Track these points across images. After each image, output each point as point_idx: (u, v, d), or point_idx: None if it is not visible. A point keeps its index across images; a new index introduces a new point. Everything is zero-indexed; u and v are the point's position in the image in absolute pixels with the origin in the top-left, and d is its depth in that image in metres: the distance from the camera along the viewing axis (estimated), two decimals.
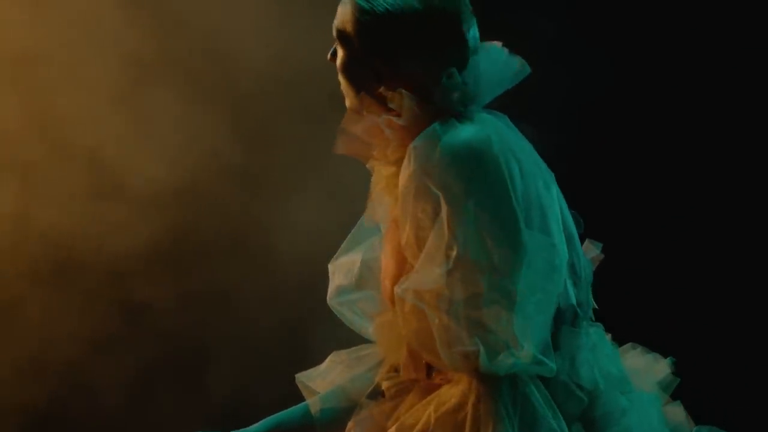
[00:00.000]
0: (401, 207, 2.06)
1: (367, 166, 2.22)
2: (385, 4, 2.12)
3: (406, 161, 2.06)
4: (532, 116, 2.28)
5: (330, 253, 2.39)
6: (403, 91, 2.11)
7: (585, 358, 2.10)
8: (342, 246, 2.39)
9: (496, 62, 2.16)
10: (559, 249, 2.05)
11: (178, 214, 3.78)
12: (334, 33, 2.21)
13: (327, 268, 2.39)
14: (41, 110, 3.72)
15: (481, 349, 1.97)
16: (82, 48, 3.73)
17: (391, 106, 2.12)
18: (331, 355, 2.33)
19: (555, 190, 2.14)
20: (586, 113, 3.69)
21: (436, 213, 2.00)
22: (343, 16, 2.18)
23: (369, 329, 2.31)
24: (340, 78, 2.21)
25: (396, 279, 2.10)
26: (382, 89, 2.13)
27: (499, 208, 2.00)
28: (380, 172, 2.18)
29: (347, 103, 2.22)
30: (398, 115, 2.12)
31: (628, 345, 2.32)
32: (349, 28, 2.16)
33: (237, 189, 3.83)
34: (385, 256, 2.20)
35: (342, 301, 2.34)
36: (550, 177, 2.14)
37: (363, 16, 2.14)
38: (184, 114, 3.77)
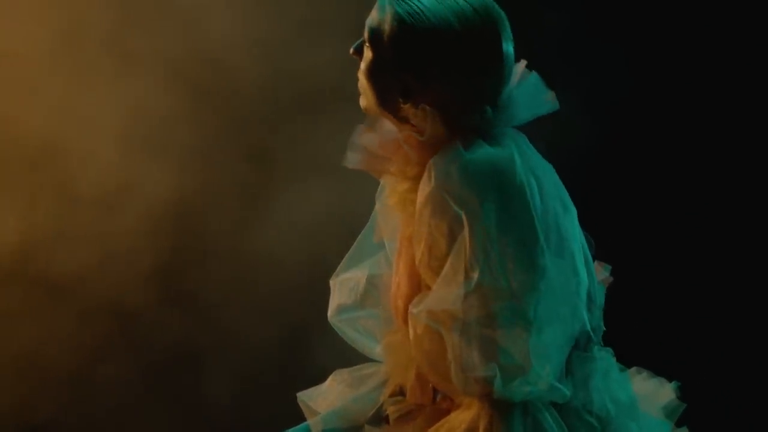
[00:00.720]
0: (417, 224, 2.03)
1: (380, 179, 2.19)
2: (425, 20, 2.06)
3: (425, 178, 2.03)
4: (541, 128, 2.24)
5: (329, 263, 2.36)
6: (428, 108, 2.06)
7: (597, 383, 2.08)
8: (343, 261, 2.35)
9: (526, 91, 2.12)
10: (579, 274, 2.04)
11: (172, 221, 3.73)
12: (366, 33, 2.14)
13: (321, 278, 2.36)
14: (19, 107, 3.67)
15: (498, 374, 1.94)
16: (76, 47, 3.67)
17: (413, 122, 2.08)
18: (333, 373, 2.29)
19: (574, 212, 2.12)
20: (587, 133, 3.66)
21: (454, 232, 1.97)
22: (380, 20, 2.11)
23: (373, 348, 2.28)
24: (362, 78, 2.15)
25: (409, 298, 2.08)
26: (404, 102, 2.08)
27: (521, 230, 1.97)
28: (394, 188, 2.14)
29: (363, 103, 2.17)
30: (419, 131, 2.08)
31: (634, 369, 2.30)
32: (384, 35, 2.10)
33: (234, 196, 3.78)
34: (396, 274, 2.16)
35: (344, 318, 2.30)
36: (568, 199, 2.12)
37: (402, 28, 2.08)
38: (173, 114, 3.72)
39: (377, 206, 2.28)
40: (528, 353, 1.94)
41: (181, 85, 3.68)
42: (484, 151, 2.02)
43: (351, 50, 2.17)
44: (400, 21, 2.07)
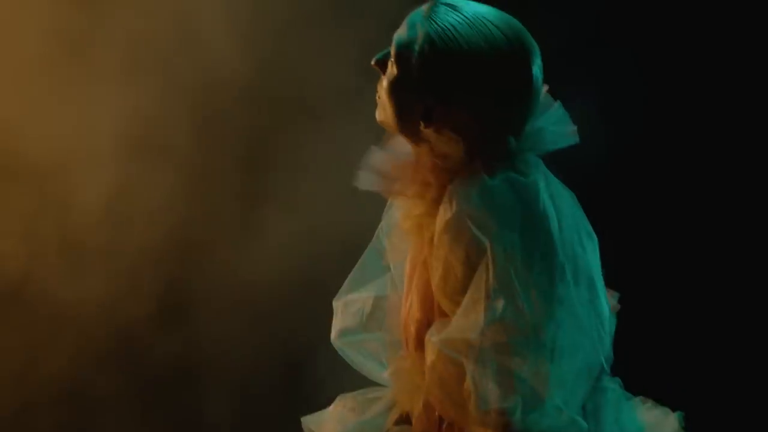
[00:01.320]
0: (436, 250, 1.99)
1: (393, 201, 2.16)
2: (456, 44, 2.02)
3: (446, 203, 1.99)
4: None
5: (328, 281, 2.34)
6: (452, 134, 2.03)
7: (608, 415, 2.08)
8: (347, 282, 2.32)
9: (550, 121, 2.10)
10: (598, 304, 2.03)
11: (171, 239, 3.72)
12: (393, 49, 2.09)
13: (322, 296, 2.35)
14: None
15: (519, 406, 1.92)
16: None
17: (432, 144, 2.05)
18: (338, 398, 2.26)
19: (596, 240, 2.10)
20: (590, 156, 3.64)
21: (473, 259, 1.95)
22: (410, 39, 2.06)
23: (377, 371, 2.26)
24: (383, 94, 2.11)
25: (422, 323, 2.06)
26: (425, 126, 2.05)
27: (543, 259, 1.95)
28: (409, 211, 2.10)
29: (379, 116, 2.14)
30: (438, 154, 2.05)
31: (638, 399, 2.28)
32: (413, 55, 2.05)
33: (232, 213, 3.76)
34: (407, 298, 2.13)
35: (348, 341, 2.28)
36: (589, 227, 2.10)
37: (432, 50, 2.03)
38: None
39: (383, 227, 2.26)
40: (548, 385, 1.92)
41: (179, 102, 3.66)
42: (507, 178, 2.00)
43: (373, 61, 2.13)
44: (431, 43, 2.04)
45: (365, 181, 2.11)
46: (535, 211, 1.97)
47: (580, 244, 2.05)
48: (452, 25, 2.03)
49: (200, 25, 3.65)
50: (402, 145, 2.14)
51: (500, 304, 1.92)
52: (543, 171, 2.08)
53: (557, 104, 2.12)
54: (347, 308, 2.30)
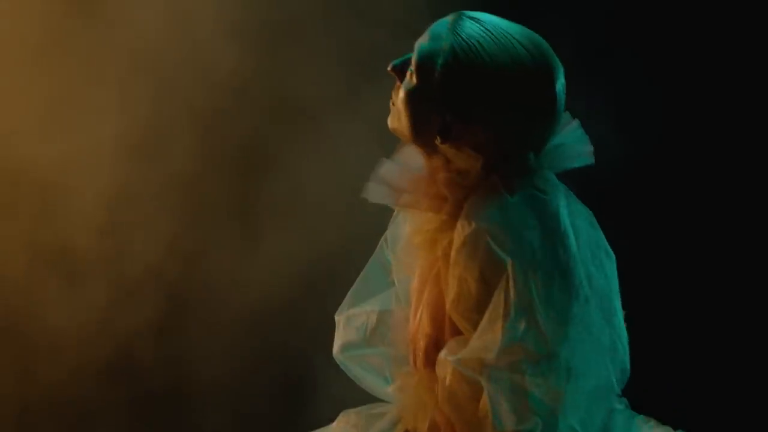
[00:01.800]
0: (453, 266, 1.96)
1: (402, 213, 2.13)
2: (481, 60, 1.98)
3: (464, 219, 1.96)
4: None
5: (330, 290, 2.34)
6: (471, 151, 2.00)
7: None
8: (348, 297, 2.30)
9: (568, 140, 2.08)
10: (615, 325, 2.02)
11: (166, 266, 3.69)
12: (416, 58, 2.05)
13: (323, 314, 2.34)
14: None
15: (537, 428, 1.90)
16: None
17: (450, 159, 2.02)
18: (342, 414, 2.25)
19: (614, 259, 2.08)
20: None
21: (492, 277, 1.92)
22: (433, 50, 2.02)
23: (380, 386, 2.23)
24: (400, 103, 2.07)
25: (431, 339, 2.03)
26: (442, 142, 2.01)
27: (562, 278, 1.93)
28: (420, 226, 2.07)
29: (392, 124, 2.10)
30: (453, 168, 2.02)
31: (641, 418, 2.27)
32: (435, 67, 2.01)
33: (228, 237, 3.73)
34: (417, 314, 2.10)
35: (350, 355, 2.26)
36: (607, 246, 2.08)
37: (456, 64, 1.99)
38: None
39: (387, 239, 2.23)
40: (564, 406, 1.91)
41: (177, 107, 3.63)
42: (528, 195, 1.97)
43: (390, 67, 2.09)
44: (455, 56, 1.99)
45: (375, 193, 2.07)
46: (555, 229, 1.95)
47: (597, 263, 2.03)
48: (477, 40, 2.00)
49: (196, 26, 3.64)
50: (411, 155, 2.11)
51: (521, 325, 1.89)
52: (562, 188, 2.05)
53: (576, 122, 2.09)
54: (350, 322, 2.27)
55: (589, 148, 2.08)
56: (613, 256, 2.09)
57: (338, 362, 2.27)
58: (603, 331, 1.99)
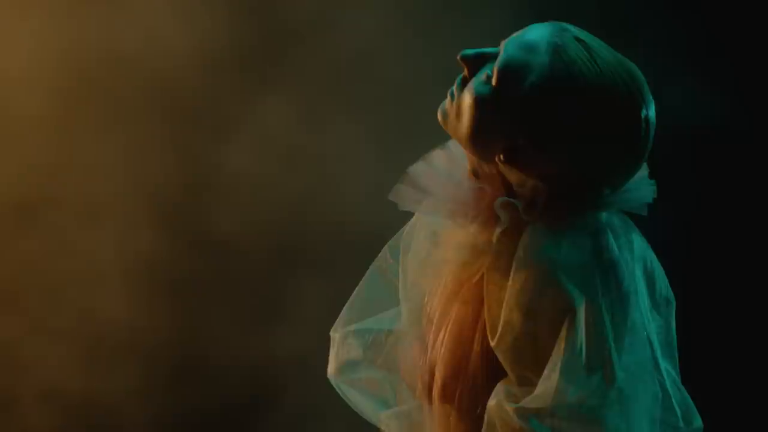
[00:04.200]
0: (508, 300, 1.75)
1: (433, 218, 1.89)
2: (578, 90, 1.73)
3: (527, 250, 1.75)
4: None
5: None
6: (537, 181, 1.77)
7: None
8: (346, 311, 2.09)
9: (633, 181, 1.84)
10: (667, 374, 1.88)
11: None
12: (501, 63, 1.78)
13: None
14: None
15: None
16: None
17: (510, 184, 1.80)
18: None
19: (672, 306, 1.92)
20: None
21: (555, 316, 1.72)
22: (526, 63, 1.76)
23: (378, 413, 2.03)
24: (469, 100, 1.80)
25: (452, 368, 1.83)
26: (503, 163, 1.78)
27: (634, 328, 1.77)
28: (459, 240, 1.83)
29: (443, 117, 1.84)
30: (511, 194, 1.80)
31: None
32: (523, 83, 1.76)
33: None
34: (436, 339, 1.88)
35: (347, 378, 2.06)
36: (668, 292, 1.92)
37: (549, 89, 1.74)
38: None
39: (393, 250, 2.02)
40: None
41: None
42: (602, 232, 1.78)
43: (460, 55, 1.81)
44: (551, 79, 1.74)
45: (407, 198, 1.85)
46: (629, 274, 1.78)
47: (655, 311, 1.89)
48: (579, 67, 1.74)
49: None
50: (439, 157, 1.88)
51: (594, 374, 1.72)
52: (634, 229, 1.87)
53: (644, 164, 1.86)
54: (347, 340, 2.07)
55: (653, 190, 1.86)
56: (674, 303, 1.93)
57: (333, 385, 2.08)
58: (668, 381, 1.87)
